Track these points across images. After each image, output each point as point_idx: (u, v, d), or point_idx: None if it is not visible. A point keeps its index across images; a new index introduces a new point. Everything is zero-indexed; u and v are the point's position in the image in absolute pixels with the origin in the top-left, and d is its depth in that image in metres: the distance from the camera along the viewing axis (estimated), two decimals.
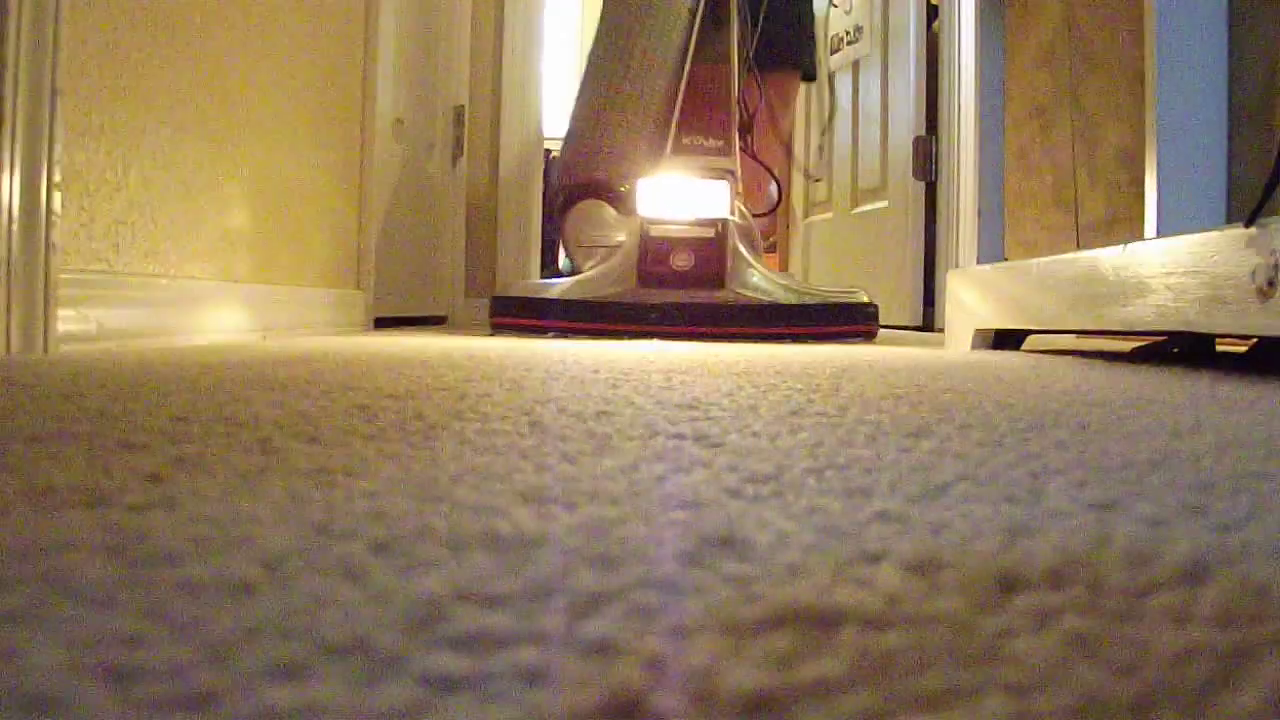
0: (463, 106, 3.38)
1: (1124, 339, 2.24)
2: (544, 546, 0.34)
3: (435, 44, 3.19)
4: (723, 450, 0.55)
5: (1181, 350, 1.58)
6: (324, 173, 2.36)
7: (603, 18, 2.62)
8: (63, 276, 1.34)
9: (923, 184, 3.34)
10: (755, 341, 2.17)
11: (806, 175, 3.47)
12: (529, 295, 2.35)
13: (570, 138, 2.62)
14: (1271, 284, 1.10)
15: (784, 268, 4.28)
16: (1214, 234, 1.28)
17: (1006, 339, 1.97)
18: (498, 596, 0.28)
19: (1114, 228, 1.98)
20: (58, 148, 1.31)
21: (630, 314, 2.25)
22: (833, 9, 3.86)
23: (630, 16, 2.53)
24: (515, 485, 0.44)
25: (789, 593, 0.29)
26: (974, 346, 1.99)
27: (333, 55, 2.39)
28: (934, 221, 3.29)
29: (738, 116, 2.51)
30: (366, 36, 2.58)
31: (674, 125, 2.43)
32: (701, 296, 2.26)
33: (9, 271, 1.26)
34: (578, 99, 2.64)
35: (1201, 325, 1.26)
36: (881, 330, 2.40)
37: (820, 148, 3.56)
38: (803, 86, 3.48)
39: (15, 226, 1.27)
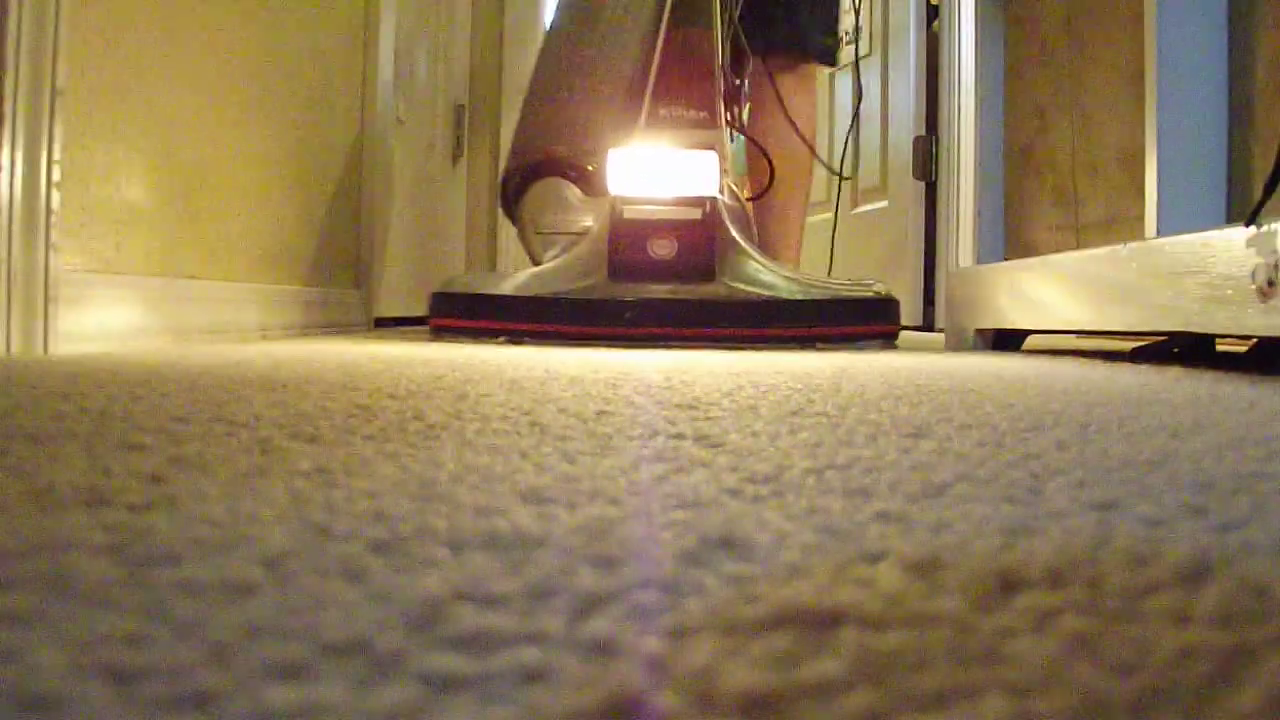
0: (463, 106, 3.38)
1: (1124, 339, 2.24)
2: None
3: (435, 44, 3.19)
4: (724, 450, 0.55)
5: (1181, 350, 1.58)
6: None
7: None
8: None
9: (923, 184, 3.34)
10: (754, 347, 1.84)
11: (837, 174, 2.92)
12: (475, 291, 1.99)
13: (527, 110, 2.26)
14: (1271, 284, 1.10)
15: None
16: (1214, 234, 1.28)
17: (1006, 339, 1.97)
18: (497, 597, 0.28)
19: (1114, 228, 1.98)
20: (57, 147, 1.31)
21: (600, 313, 1.89)
22: None
23: None
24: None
25: (789, 593, 0.29)
26: (974, 346, 1.99)
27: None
28: (934, 221, 3.29)
29: (722, 84, 2.11)
30: (366, 39, 2.58)
31: (649, 93, 2.03)
32: (687, 291, 1.89)
33: (9, 272, 1.26)
34: (537, 66, 2.28)
35: (1201, 325, 1.26)
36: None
37: (845, 143, 3.21)
38: (825, 75, 3.22)
39: (16, 227, 1.27)
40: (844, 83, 3.88)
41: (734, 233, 1.96)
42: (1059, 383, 1.09)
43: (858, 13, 2.96)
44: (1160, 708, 0.21)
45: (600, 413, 0.72)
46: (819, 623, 0.26)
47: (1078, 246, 1.75)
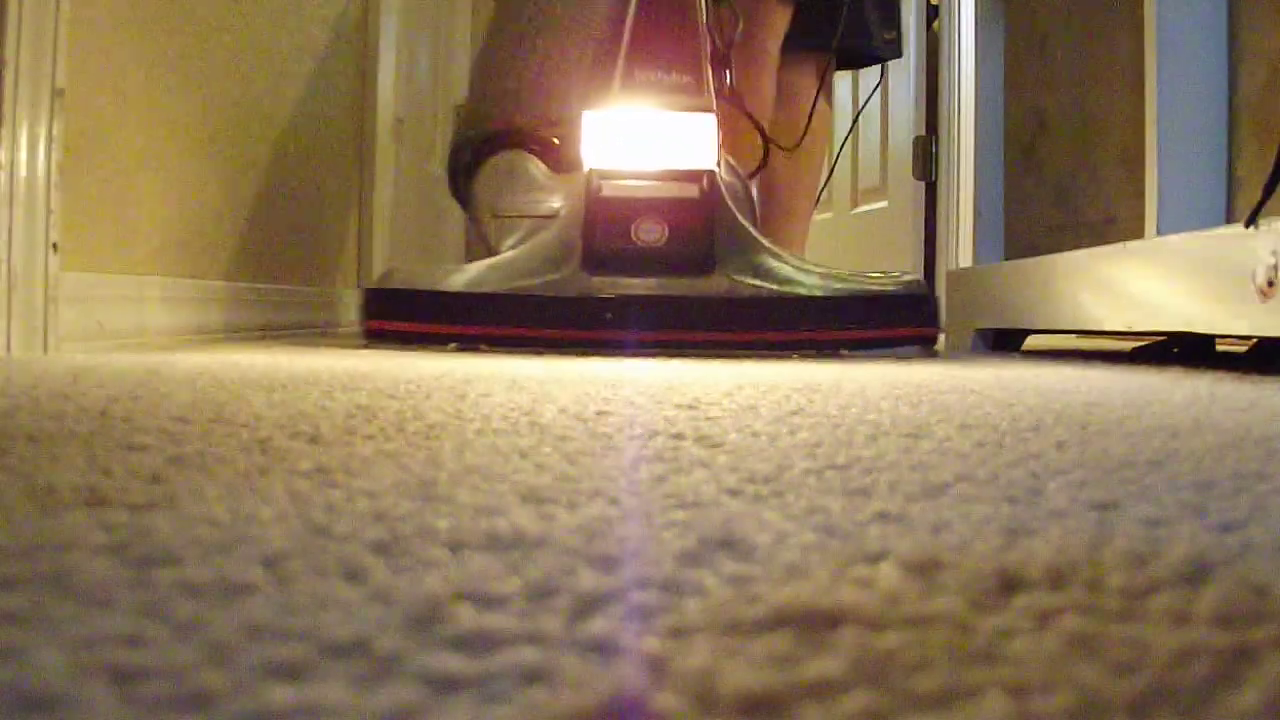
0: (460, 106, 3.38)
1: (1124, 339, 2.24)
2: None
3: (435, 44, 3.19)
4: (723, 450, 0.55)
5: (1181, 350, 1.58)
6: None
7: None
8: None
9: (922, 184, 3.34)
10: (763, 355, 1.55)
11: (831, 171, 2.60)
12: (418, 286, 1.65)
13: (481, 73, 1.96)
14: (1271, 284, 1.10)
15: None
16: (1214, 234, 1.28)
17: (1006, 339, 1.97)
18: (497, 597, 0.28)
19: (1114, 228, 1.98)
20: (57, 147, 1.31)
21: (573, 313, 1.58)
22: None
23: None
24: None
25: (789, 593, 0.29)
26: (973, 347, 1.99)
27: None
28: (934, 221, 3.30)
29: (708, 45, 1.77)
30: (366, 39, 2.58)
31: (623, 53, 1.71)
32: (680, 286, 1.58)
33: (9, 271, 1.26)
34: (493, 22, 1.97)
35: (1201, 325, 1.26)
36: None
37: (843, 143, 2.90)
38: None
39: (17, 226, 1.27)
40: (843, 83, 3.88)
41: (737, 215, 1.65)
42: (1059, 383, 1.09)
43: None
44: (1160, 708, 0.21)
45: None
46: (819, 623, 0.26)
47: (1077, 246, 1.75)
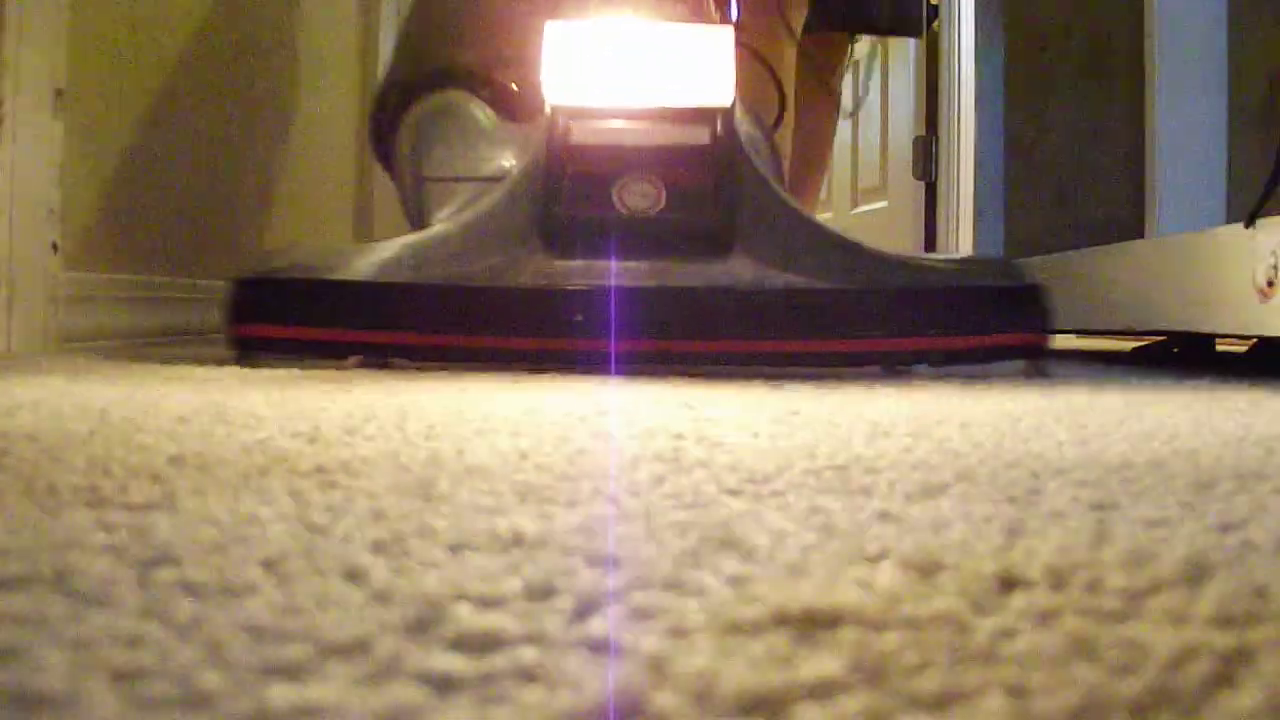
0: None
1: (1124, 339, 2.24)
2: None
3: None
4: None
5: (1181, 350, 1.58)
6: None
7: None
8: None
9: (922, 184, 3.34)
10: (808, 372, 1.14)
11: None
12: (308, 275, 1.16)
13: (415, 6, 1.58)
14: (1271, 284, 1.10)
15: None
16: (1214, 234, 1.28)
17: None
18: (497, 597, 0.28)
19: (1114, 228, 1.99)
20: (57, 147, 1.31)
21: (527, 314, 1.14)
22: None
23: None
24: None
25: (789, 593, 0.29)
26: None
27: None
28: (934, 221, 3.30)
29: None
30: (367, 26, 2.58)
31: None
32: (685, 274, 1.13)
33: (9, 271, 1.26)
34: None
35: (1201, 325, 1.26)
36: None
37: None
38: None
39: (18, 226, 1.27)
40: (843, 83, 3.88)
41: (764, 172, 1.23)
42: (1059, 383, 1.09)
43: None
44: (1160, 708, 0.21)
45: None
46: (819, 623, 0.26)
47: (1077, 246, 1.75)
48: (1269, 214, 1.15)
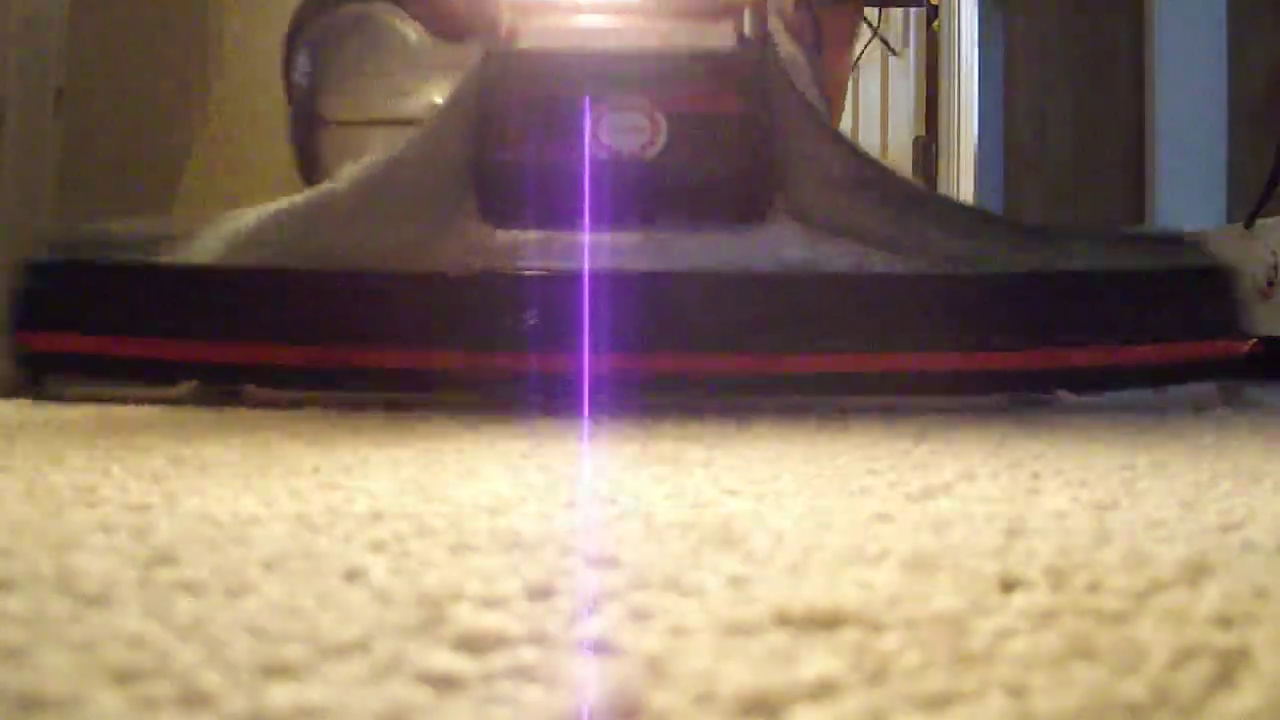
0: None
1: None
2: None
3: None
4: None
5: None
6: None
7: None
8: None
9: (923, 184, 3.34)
10: (890, 405, 0.80)
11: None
12: (122, 258, 0.82)
13: None
14: (1271, 284, 1.10)
15: None
16: (1214, 234, 1.28)
17: None
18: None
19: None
20: (55, 147, 1.31)
21: (456, 316, 0.80)
22: None
23: None
24: None
25: (789, 593, 0.29)
26: None
27: None
28: None
29: None
30: None
31: None
32: (698, 252, 0.79)
33: None
34: None
35: None
36: None
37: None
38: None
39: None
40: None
41: (812, 100, 0.89)
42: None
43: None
44: (1160, 708, 0.21)
45: None
46: (819, 623, 0.26)
47: None
48: (1269, 214, 1.15)
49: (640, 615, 0.27)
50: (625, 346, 0.76)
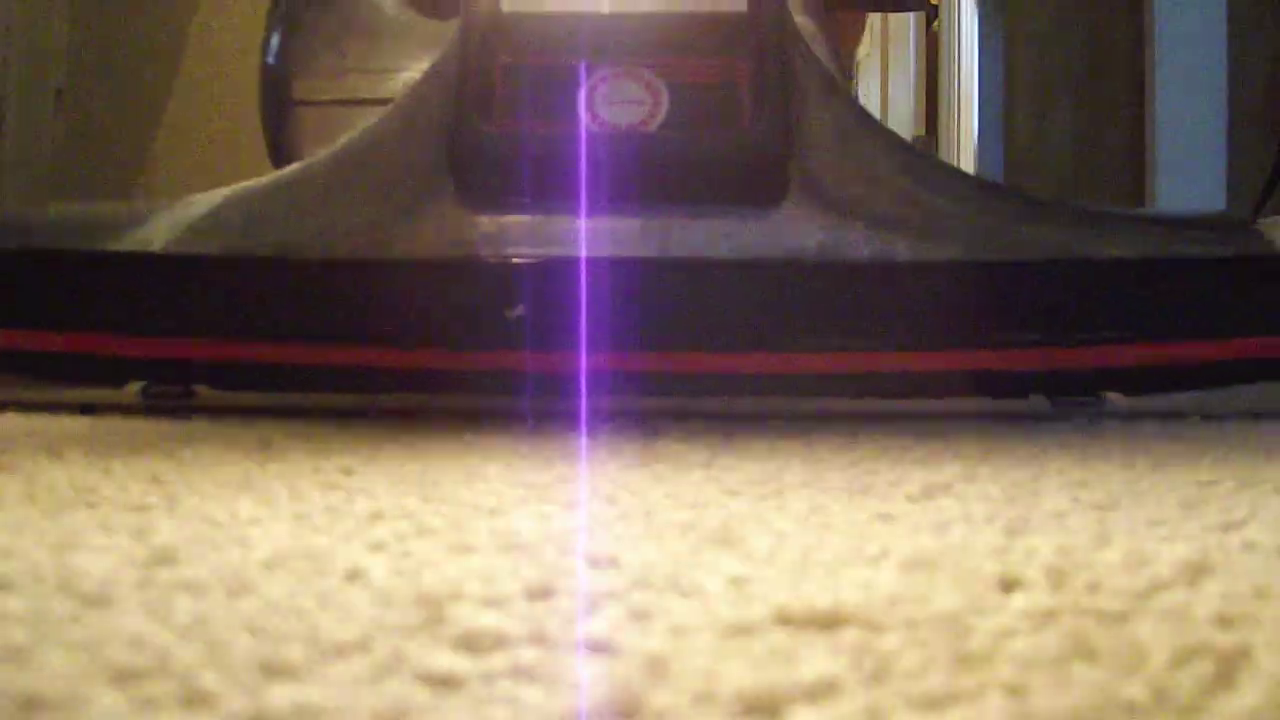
0: None
1: None
2: None
3: None
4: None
5: None
6: None
7: None
8: None
9: None
10: (915, 408, 0.76)
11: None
12: (64, 244, 0.75)
13: None
14: None
15: None
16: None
17: None
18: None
19: None
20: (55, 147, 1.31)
21: (433, 308, 0.74)
22: None
23: None
24: None
25: (789, 593, 0.29)
26: None
27: None
28: None
29: None
30: None
31: None
32: (705, 238, 0.71)
33: None
34: None
35: None
36: None
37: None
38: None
39: None
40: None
41: (832, 70, 0.82)
42: None
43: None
44: (1160, 708, 0.21)
45: None
46: (819, 623, 0.26)
47: None
48: (1269, 214, 1.15)
49: (640, 615, 0.27)
50: (622, 344, 0.69)
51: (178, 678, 0.22)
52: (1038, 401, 0.74)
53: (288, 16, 0.94)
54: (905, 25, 3.45)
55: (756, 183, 0.71)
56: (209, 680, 0.22)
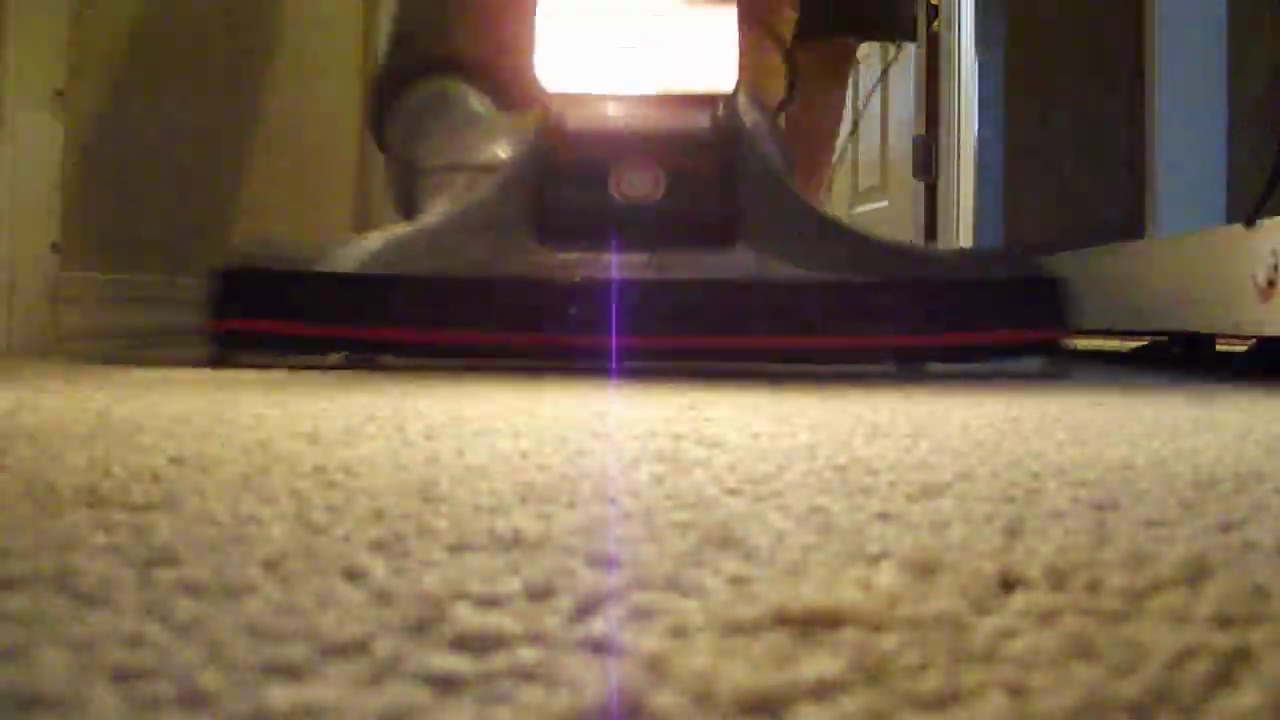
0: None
1: (1124, 339, 2.24)
2: None
3: None
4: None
5: (1181, 350, 1.58)
6: None
7: None
8: None
9: (923, 184, 3.34)
10: (811, 370, 1.13)
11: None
12: (292, 267, 1.15)
13: None
14: (1272, 284, 1.10)
15: None
16: (1214, 234, 1.28)
17: None
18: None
19: (1114, 228, 1.99)
20: (57, 147, 1.31)
21: (519, 309, 1.13)
22: None
23: None
24: None
25: (789, 593, 0.29)
26: None
27: None
28: (934, 221, 3.30)
29: None
30: (369, 24, 2.57)
31: None
32: (686, 266, 1.12)
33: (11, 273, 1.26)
34: None
35: (1201, 325, 1.26)
36: None
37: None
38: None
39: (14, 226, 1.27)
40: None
41: (769, 158, 1.23)
42: (1059, 384, 1.09)
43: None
44: (1160, 708, 0.21)
45: None
46: (819, 623, 0.26)
47: (1078, 246, 1.75)
48: (1269, 214, 1.15)
49: (640, 615, 0.27)
50: (636, 329, 1.08)
51: (178, 678, 0.22)
52: (888, 366, 1.16)
53: (411, 116, 1.35)
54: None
55: (716, 235, 1.14)
56: (209, 680, 0.22)
